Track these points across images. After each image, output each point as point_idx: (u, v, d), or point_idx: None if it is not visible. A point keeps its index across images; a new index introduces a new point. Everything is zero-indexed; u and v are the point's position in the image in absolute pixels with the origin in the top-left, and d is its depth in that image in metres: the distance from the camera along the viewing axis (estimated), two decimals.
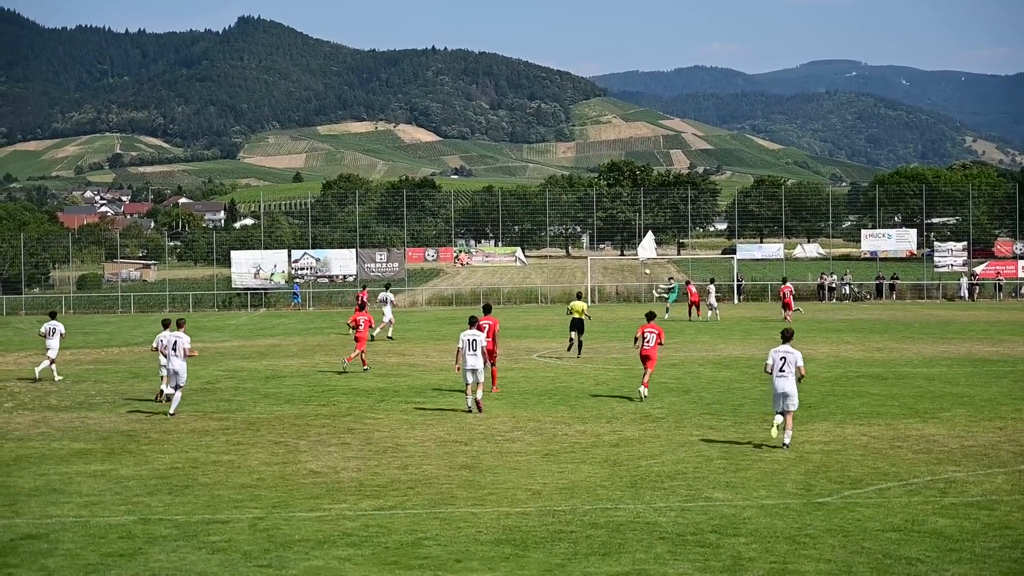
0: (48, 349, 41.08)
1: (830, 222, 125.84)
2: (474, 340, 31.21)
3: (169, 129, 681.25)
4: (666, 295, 79.38)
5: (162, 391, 34.07)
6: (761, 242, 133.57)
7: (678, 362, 42.95)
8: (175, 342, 32.54)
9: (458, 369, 31.58)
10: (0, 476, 22.88)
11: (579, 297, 50.36)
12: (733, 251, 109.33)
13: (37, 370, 41.12)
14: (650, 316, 35.22)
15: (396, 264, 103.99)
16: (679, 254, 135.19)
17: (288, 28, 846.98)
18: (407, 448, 25.37)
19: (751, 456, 23.72)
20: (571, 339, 47.15)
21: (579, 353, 46.48)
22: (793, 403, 25.03)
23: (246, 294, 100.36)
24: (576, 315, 46.80)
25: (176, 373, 32.06)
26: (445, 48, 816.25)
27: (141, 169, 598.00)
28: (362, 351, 42.11)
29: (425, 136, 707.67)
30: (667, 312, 74.41)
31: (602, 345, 52.27)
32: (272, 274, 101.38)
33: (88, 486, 21.64)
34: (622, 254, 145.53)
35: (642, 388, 33.54)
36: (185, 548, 16.86)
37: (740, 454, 23.98)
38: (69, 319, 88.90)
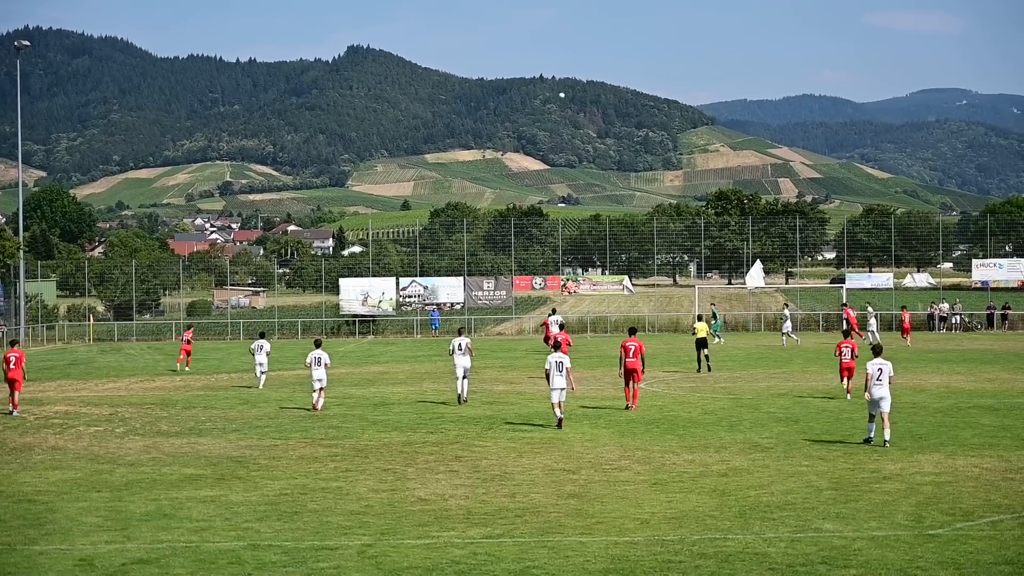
0: (258, 365, 44.95)
1: (940, 251, 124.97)
2: (560, 362, 34.23)
3: (279, 157, 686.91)
4: (789, 331, 78.15)
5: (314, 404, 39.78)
6: (870, 271, 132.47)
7: (786, 391, 42.67)
8: (319, 357, 39.93)
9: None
10: (112, 501, 23.11)
11: (700, 319, 58.73)
12: (842, 280, 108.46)
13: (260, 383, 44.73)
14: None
15: (504, 292, 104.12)
16: (787, 283, 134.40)
17: (397, 57, 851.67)
18: (515, 476, 25.35)
19: (861, 487, 23.46)
20: (698, 359, 54.03)
21: (710, 368, 53.26)
22: (887, 405, 29.30)
23: (354, 321, 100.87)
24: (700, 335, 54.44)
25: (320, 379, 39.69)
26: (553, 77, 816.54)
27: (251, 197, 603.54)
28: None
29: (532, 164, 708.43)
30: (718, 338, 76.13)
31: (709, 375, 52.06)
32: (380, 301, 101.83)
33: (198, 511, 21.81)
34: (730, 283, 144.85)
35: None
36: (294, 574, 16.94)
37: (850, 485, 23.73)
38: (178, 345, 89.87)
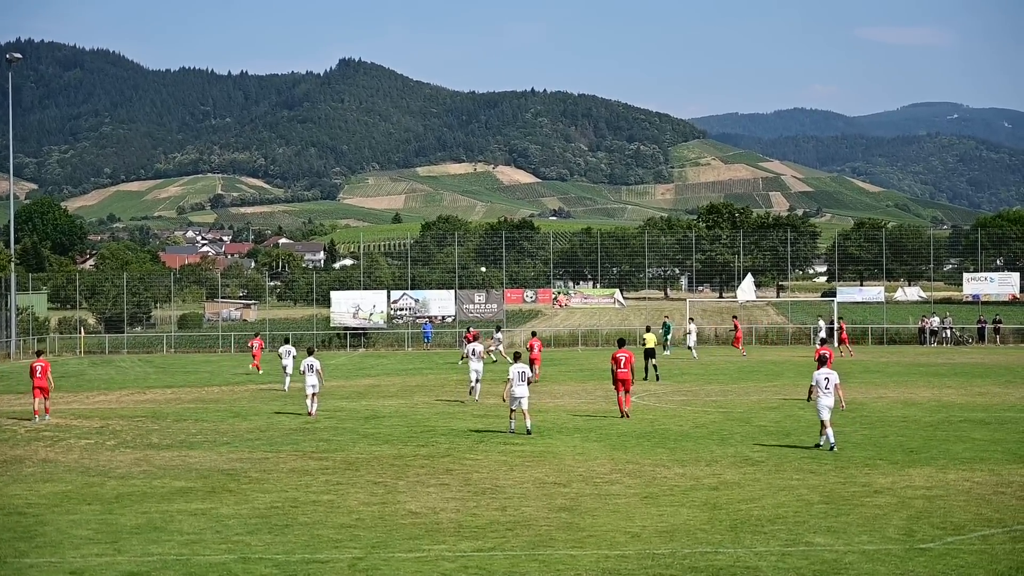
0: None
1: (931, 265, 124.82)
2: (523, 372, 36.03)
3: (270, 170, 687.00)
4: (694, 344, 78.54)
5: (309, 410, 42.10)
6: (861, 285, 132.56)
7: (777, 405, 42.70)
8: (312, 364, 42.36)
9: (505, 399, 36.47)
10: (102, 514, 23.11)
11: (648, 330, 60.65)
12: (833, 294, 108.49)
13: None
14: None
15: (495, 305, 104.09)
16: (778, 296, 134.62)
17: (388, 70, 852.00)
18: (506, 489, 25.37)
19: (852, 501, 23.49)
20: (645, 368, 55.42)
21: (657, 378, 55.28)
22: (828, 413, 31.17)
23: (345, 334, 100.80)
24: (649, 345, 56.73)
25: (314, 385, 42.12)
26: (544, 90, 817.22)
27: (242, 210, 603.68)
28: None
29: (524, 178, 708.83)
30: (666, 350, 78.52)
31: (701, 388, 52.14)
32: (371, 314, 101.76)
33: (189, 524, 21.81)
34: (721, 296, 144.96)
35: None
36: None
37: (841, 499, 23.76)
38: (170, 358, 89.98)
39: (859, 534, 20.21)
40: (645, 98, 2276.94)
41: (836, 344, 78.91)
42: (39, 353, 44.93)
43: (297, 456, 31.10)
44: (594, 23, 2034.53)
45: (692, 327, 78.61)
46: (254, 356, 68.19)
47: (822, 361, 32.70)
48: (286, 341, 57.59)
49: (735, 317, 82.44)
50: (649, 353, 56.68)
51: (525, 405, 35.71)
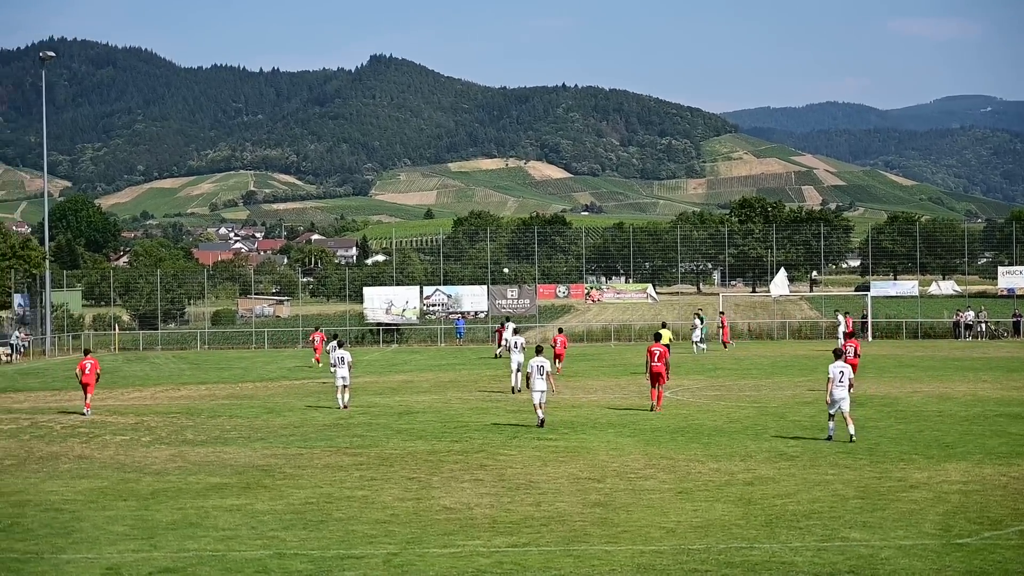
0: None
1: (965, 259, 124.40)
2: (542, 366, 36.40)
3: (302, 166, 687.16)
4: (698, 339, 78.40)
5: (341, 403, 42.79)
6: (895, 279, 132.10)
7: (812, 400, 42.49)
8: (343, 357, 43.14)
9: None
10: (138, 510, 23.19)
11: (664, 326, 60.48)
12: (866, 288, 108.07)
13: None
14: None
15: (527, 300, 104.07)
16: (811, 291, 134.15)
17: (419, 66, 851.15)
18: (540, 485, 25.35)
19: (888, 496, 23.41)
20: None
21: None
22: (847, 405, 31.89)
23: (378, 330, 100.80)
24: (664, 342, 53.19)
25: (344, 377, 42.79)
26: (576, 85, 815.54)
27: (274, 206, 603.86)
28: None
29: (555, 173, 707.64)
30: (703, 344, 78.62)
31: (734, 383, 52.01)
32: (404, 310, 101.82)
33: (224, 520, 21.87)
34: (754, 291, 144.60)
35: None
36: None
37: (877, 493, 23.67)
38: (203, 354, 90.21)
39: (895, 529, 20.14)
40: (677, 92, 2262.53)
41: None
42: (87, 352, 46.55)
43: (331, 452, 31.14)
44: (625, 17, 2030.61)
45: (697, 322, 78.33)
46: (315, 349, 69.78)
47: (837, 354, 33.55)
48: (334, 337, 59.25)
49: (722, 313, 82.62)
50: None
51: (544, 399, 36.46)
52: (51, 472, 28.40)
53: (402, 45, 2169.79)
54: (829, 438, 31.80)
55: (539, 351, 38.17)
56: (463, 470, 27.59)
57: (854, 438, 31.27)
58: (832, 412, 31.89)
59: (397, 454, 30.47)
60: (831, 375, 31.98)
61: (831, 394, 31.86)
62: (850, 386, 32.29)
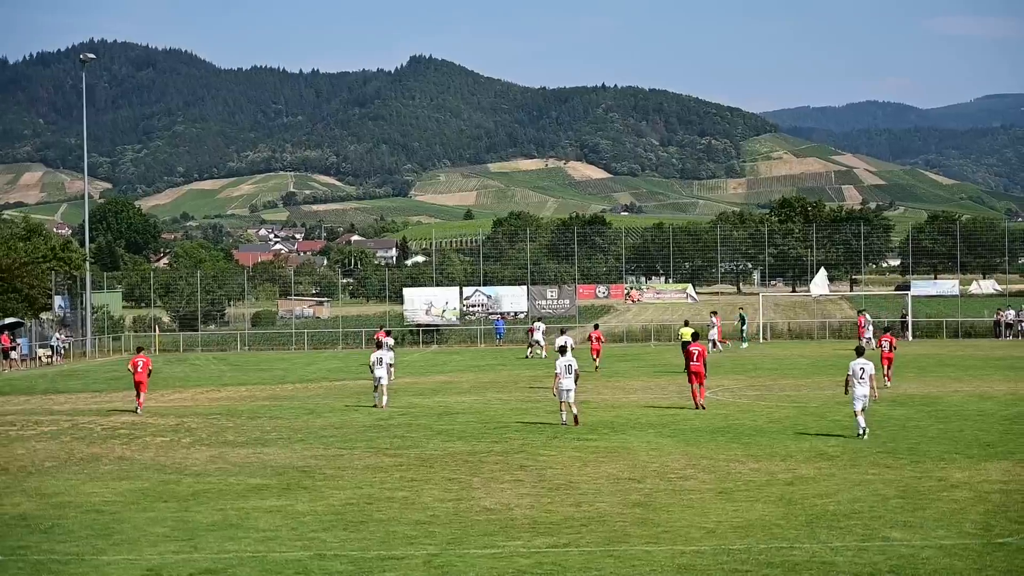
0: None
1: (1006, 258, 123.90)
2: (569, 365, 36.71)
3: (342, 167, 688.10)
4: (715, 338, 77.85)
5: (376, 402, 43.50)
6: (935, 278, 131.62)
7: (852, 400, 42.34)
8: (380, 358, 43.46)
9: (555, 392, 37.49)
10: (179, 511, 23.26)
11: (687, 324, 64.08)
12: (907, 287, 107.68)
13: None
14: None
15: (567, 301, 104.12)
16: (852, 290, 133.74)
17: (459, 67, 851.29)
18: (580, 485, 25.33)
19: (929, 495, 23.31)
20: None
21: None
22: (868, 402, 32.55)
23: (418, 331, 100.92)
24: (686, 338, 57.17)
25: (380, 378, 43.18)
26: (615, 85, 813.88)
27: (314, 207, 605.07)
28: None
29: (595, 173, 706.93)
30: (744, 343, 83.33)
31: (775, 382, 51.92)
32: (444, 311, 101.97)
33: (264, 521, 21.91)
34: (794, 291, 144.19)
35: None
36: None
37: (917, 493, 23.58)
38: (243, 355, 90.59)
39: (936, 529, 20.06)
40: (716, 92, 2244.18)
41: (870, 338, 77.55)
42: (139, 349, 47.99)
43: (371, 453, 31.18)
44: (664, 17, 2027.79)
45: (715, 320, 78.00)
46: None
47: (859, 352, 33.97)
48: (387, 334, 63.19)
49: (714, 313, 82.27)
50: (685, 346, 57.93)
51: (572, 397, 36.70)
52: (92, 474, 28.50)
53: (441, 46, 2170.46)
54: (860, 435, 32.20)
55: (563, 351, 38.77)
56: (503, 471, 27.60)
57: (865, 434, 32.13)
58: (857, 409, 32.41)
59: (437, 455, 30.49)
60: (850, 371, 32.80)
61: (853, 390, 32.59)
62: (871, 384, 32.76)
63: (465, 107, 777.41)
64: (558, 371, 36.82)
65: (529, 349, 76.88)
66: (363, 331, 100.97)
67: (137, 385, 44.02)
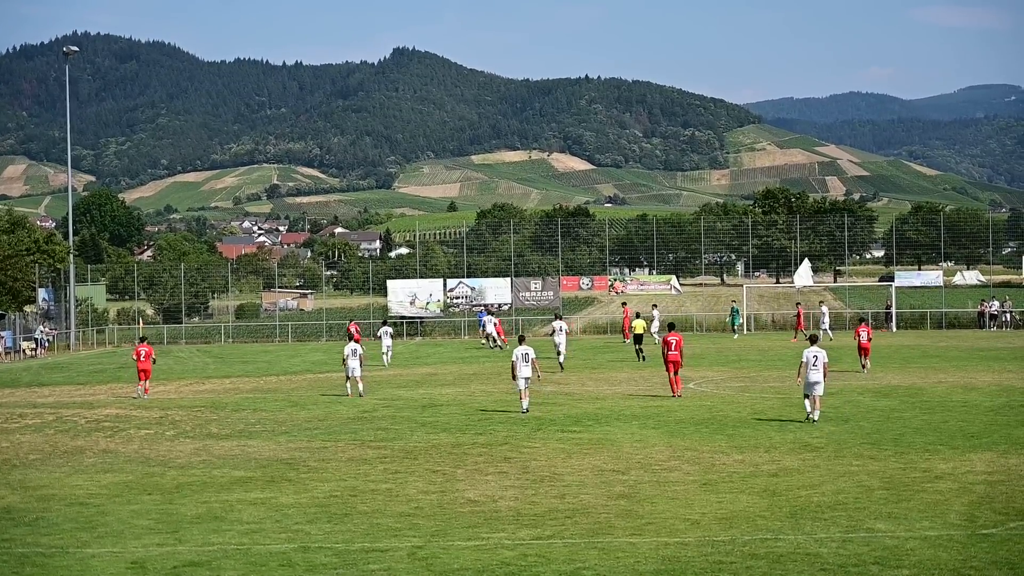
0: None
1: (990, 249, 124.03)
2: (526, 354, 38.06)
3: (325, 160, 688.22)
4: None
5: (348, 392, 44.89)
6: (919, 269, 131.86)
7: (836, 391, 42.31)
8: (355, 349, 45.36)
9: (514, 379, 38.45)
10: (163, 504, 23.25)
11: (638, 316, 67.21)
12: (891, 278, 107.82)
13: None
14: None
15: (551, 293, 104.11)
16: (835, 281, 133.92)
17: (442, 59, 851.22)
18: (564, 477, 25.34)
19: (913, 486, 23.33)
20: (637, 350, 61.74)
21: (644, 359, 59.88)
22: (821, 389, 33.99)
23: (402, 323, 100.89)
24: (638, 331, 63.13)
25: (354, 368, 44.66)
26: (599, 77, 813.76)
27: (298, 199, 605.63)
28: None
29: (579, 165, 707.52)
30: (735, 334, 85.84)
31: (759, 374, 52.04)
32: (428, 303, 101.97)
33: (249, 514, 21.91)
34: (777, 282, 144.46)
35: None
36: None
37: (902, 484, 23.61)
38: (227, 348, 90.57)
39: (920, 520, 20.08)
40: (700, 84, 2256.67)
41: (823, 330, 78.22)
42: (143, 339, 49.26)
43: (355, 445, 31.17)
44: (648, 8, 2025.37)
45: (655, 313, 78.16)
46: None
47: (813, 340, 35.89)
48: (384, 323, 67.50)
49: (654, 305, 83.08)
50: (637, 339, 62.84)
51: (524, 385, 38.09)
52: (76, 466, 28.47)
53: (425, 38, 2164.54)
54: (808, 419, 33.65)
55: (522, 340, 40.44)
56: (487, 463, 27.60)
57: (814, 420, 33.40)
58: (807, 394, 34.03)
59: (421, 447, 30.49)
60: (804, 359, 34.46)
61: (805, 377, 34.24)
62: (824, 372, 34.33)
63: (448, 99, 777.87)
64: (515, 359, 38.16)
65: (484, 341, 78.95)
66: (346, 323, 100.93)
67: (140, 373, 46.32)
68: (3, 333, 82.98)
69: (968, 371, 50.92)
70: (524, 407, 37.59)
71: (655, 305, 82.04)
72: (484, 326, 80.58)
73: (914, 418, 34.38)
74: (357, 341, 67.44)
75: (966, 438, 29.92)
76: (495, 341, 77.00)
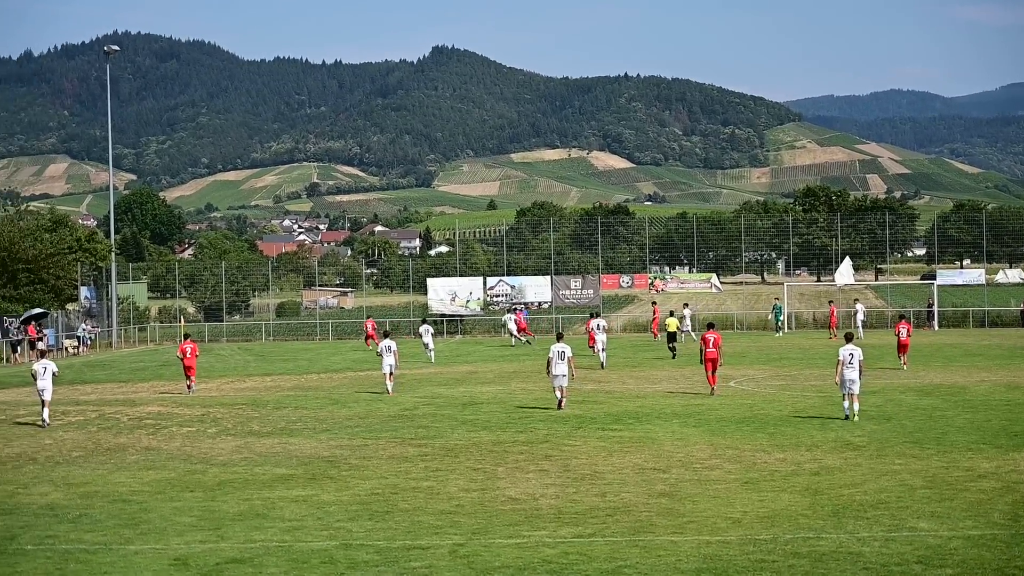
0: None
1: None
2: (563, 352, 38.04)
3: (365, 158, 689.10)
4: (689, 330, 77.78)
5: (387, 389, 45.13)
6: (961, 267, 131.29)
7: (879, 389, 42.18)
8: (389, 346, 45.40)
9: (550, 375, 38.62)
10: (205, 501, 23.31)
11: (672, 315, 67.34)
12: (933, 276, 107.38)
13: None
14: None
15: (591, 291, 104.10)
16: (877, 280, 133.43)
17: (482, 57, 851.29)
18: (605, 475, 25.32)
19: (956, 485, 23.22)
20: (671, 348, 63.04)
21: (674, 357, 61.34)
22: (856, 387, 33.97)
23: (442, 321, 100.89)
24: (671, 330, 64.35)
25: (391, 365, 45.09)
26: (638, 75, 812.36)
27: (338, 198, 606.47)
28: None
29: (618, 163, 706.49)
30: (778, 331, 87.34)
31: (800, 372, 51.91)
32: (468, 301, 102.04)
33: (290, 511, 21.95)
34: (818, 280, 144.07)
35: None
36: (387, 574, 17.04)
37: (944, 483, 23.49)
38: (268, 346, 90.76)
39: (963, 519, 19.98)
40: (739, 81, 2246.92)
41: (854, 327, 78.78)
42: (187, 336, 51.69)
43: (396, 443, 31.20)
44: (687, 6, 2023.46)
45: (687, 312, 77.90)
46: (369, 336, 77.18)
47: (848, 338, 36.06)
48: (423, 321, 70.46)
49: (654, 303, 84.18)
50: (671, 337, 64.10)
51: (565, 383, 38.22)
52: (119, 463, 28.58)
53: (464, 36, 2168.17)
54: (846, 417, 33.81)
55: (560, 337, 40.48)
56: (528, 460, 27.59)
57: (856, 417, 33.66)
58: (844, 392, 34.22)
59: (462, 445, 30.50)
60: (840, 357, 34.47)
61: (841, 375, 34.23)
62: (860, 369, 34.27)
63: (488, 97, 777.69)
64: (551, 356, 38.24)
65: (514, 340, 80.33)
66: (387, 321, 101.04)
67: (187, 369, 47.42)
68: (46, 331, 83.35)
69: (1011, 370, 50.68)
70: (559, 400, 38.33)
71: (686, 304, 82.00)
72: (506, 324, 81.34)
73: (957, 417, 34.23)
74: (371, 338, 69.35)
75: (1009, 437, 29.77)
76: (522, 336, 78.87)
